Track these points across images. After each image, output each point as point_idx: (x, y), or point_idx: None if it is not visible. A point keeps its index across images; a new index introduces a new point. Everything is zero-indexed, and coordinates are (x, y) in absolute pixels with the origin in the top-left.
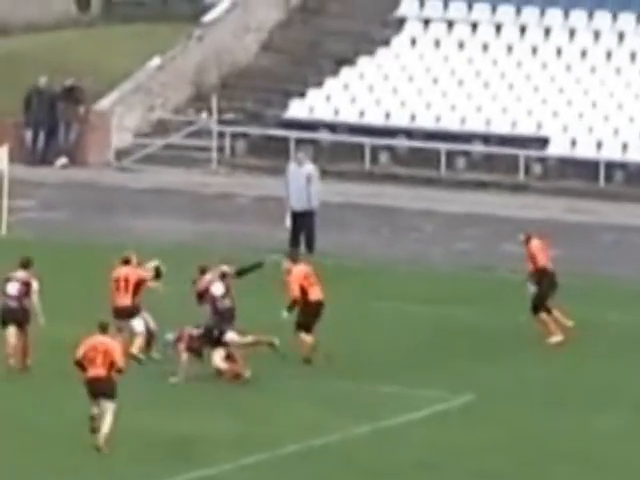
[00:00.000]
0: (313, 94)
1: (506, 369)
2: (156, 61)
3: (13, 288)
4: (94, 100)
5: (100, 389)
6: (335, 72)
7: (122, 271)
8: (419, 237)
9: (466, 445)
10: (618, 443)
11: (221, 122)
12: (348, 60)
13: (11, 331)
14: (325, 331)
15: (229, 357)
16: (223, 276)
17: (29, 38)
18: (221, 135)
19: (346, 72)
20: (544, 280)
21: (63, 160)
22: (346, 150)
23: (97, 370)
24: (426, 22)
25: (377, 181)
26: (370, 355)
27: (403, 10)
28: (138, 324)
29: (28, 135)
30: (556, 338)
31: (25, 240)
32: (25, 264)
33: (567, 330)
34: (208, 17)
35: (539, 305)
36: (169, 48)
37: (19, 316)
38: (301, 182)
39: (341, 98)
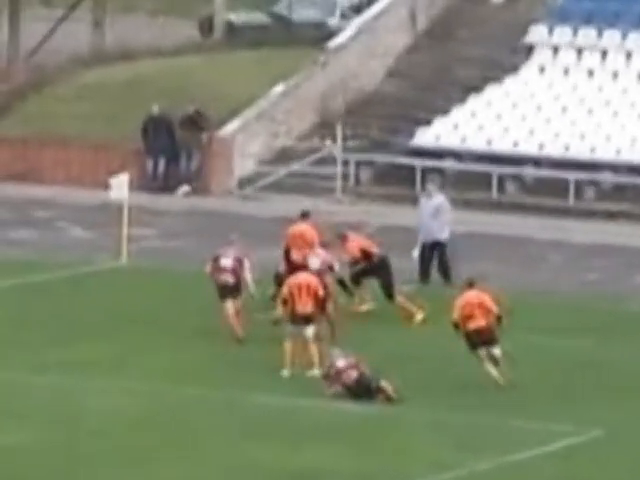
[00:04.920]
0: (440, 122)
1: (636, 404)
2: (280, 87)
3: (227, 262)
4: (216, 127)
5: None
6: (462, 99)
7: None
8: (548, 267)
9: None
10: None
11: (346, 150)
12: (476, 87)
13: (229, 304)
14: (453, 362)
15: None
16: (330, 268)
17: (151, 63)
18: (346, 163)
19: (474, 99)
20: None
21: (185, 188)
22: (473, 179)
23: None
24: (555, 49)
25: (504, 211)
26: (497, 387)
27: (532, 37)
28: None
29: (149, 162)
30: None
31: (146, 269)
32: (231, 242)
33: None
34: (333, 42)
35: None
36: (293, 74)
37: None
38: (430, 214)
39: (468, 126)
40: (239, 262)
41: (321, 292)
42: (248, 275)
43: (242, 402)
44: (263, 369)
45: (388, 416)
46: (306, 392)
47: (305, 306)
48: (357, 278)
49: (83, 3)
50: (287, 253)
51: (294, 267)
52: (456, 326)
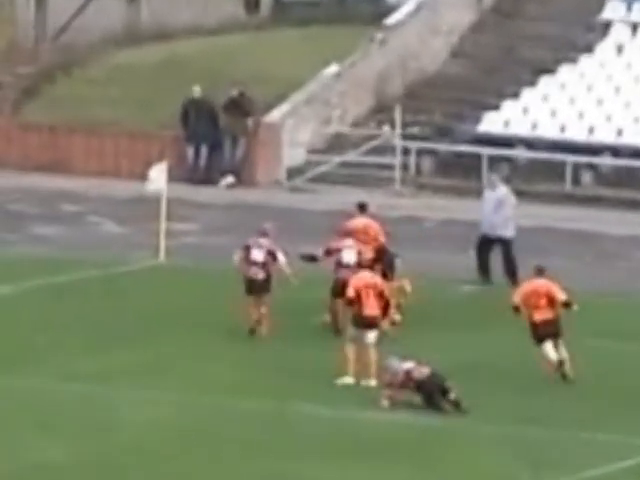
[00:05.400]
0: (508, 106)
1: None
2: (333, 68)
3: (259, 255)
4: (263, 112)
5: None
6: (533, 82)
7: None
8: (626, 265)
9: None
10: None
11: (405, 137)
12: (547, 68)
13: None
14: (520, 370)
15: None
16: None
17: (191, 43)
18: (406, 151)
19: (545, 82)
20: None
21: (229, 179)
22: (545, 169)
23: None
24: (634, 27)
25: (579, 203)
26: (569, 398)
27: (608, 13)
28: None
29: (189, 151)
30: None
31: (185, 268)
32: (264, 233)
33: None
34: (392, 19)
35: None
36: (347, 54)
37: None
38: (492, 207)
39: (540, 111)
40: (272, 255)
41: (387, 293)
42: (286, 267)
43: (290, 414)
44: (313, 377)
45: (451, 428)
46: (361, 403)
47: (373, 309)
48: None
49: None
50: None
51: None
52: (516, 309)
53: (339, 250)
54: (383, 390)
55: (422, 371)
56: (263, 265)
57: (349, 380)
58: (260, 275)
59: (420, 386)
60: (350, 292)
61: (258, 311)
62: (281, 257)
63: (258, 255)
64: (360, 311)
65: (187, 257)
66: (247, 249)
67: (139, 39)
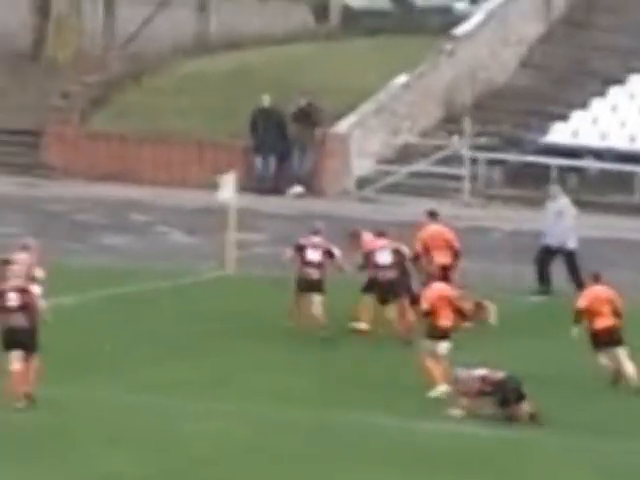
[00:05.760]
0: (577, 117)
1: None
2: (402, 79)
3: (315, 255)
4: (332, 122)
5: None
6: (602, 92)
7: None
8: None
9: None
10: None
11: (474, 147)
12: (617, 79)
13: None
14: (592, 379)
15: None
16: (396, 252)
17: (260, 52)
18: (474, 162)
19: (615, 92)
20: None
21: (297, 189)
22: (614, 180)
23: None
24: None
25: None
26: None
27: None
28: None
29: (258, 161)
30: None
31: (254, 278)
32: (317, 232)
33: None
34: (461, 30)
35: None
36: (416, 64)
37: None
38: (553, 218)
39: (609, 121)
40: (328, 254)
41: (461, 304)
42: (343, 262)
43: (358, 425)
44: (381, 387)
45: (526, 440)
46: (429, 414)
47: (447, 319)
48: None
49: None
50: (417, 259)
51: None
52: (578, 314)
53: (373, 251)
54: (457, 400)
55: (498, 374)
56: (319, 265)
57: (443, 388)
58: (315, 275)
59: (498, 388)
60: (424, 304)
61: (308, 311)
62: (337, 252)
63: (314, 255)
64: (434, 322)
65: (255, 267)
66: (301, 249)
67: (208, 48)
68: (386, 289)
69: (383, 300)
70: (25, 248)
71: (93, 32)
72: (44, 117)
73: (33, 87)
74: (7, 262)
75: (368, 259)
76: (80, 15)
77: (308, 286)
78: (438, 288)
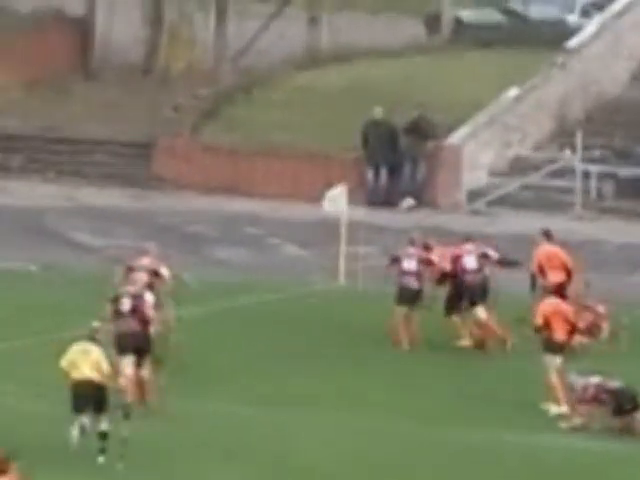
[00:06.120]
0: None
1: None
2: (514, 91)
3: (411, 264)
4: (443, 135)
5: None
6: None
7: None
8: None
9: None
10: None
11: (586, 160)
12: None
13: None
14: None
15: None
16: (484, 256)
17: (371, 65)
18: (586, 175)
19: None
20: None
21: (409, 201)
22: None
23: None
24: None
25: None
26: None
27: None
28: None
29: (369, 173)
30: None
31: (366, 291)
32: (413, 242)
33: None
34: (573, 42)
35: None
36: (528, 77)
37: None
38: None
39: None
40: (426, 262)
41: (574, 318)
42: (444, 263)
43: (477, 440)
44: (496, 402)
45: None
46: (542, 427)
47: (562, 334)
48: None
49: None
50: (533, 277)
51: (552, 289)
52: None
53: (460, 256)
54: (573, 407)
55: (613, 383)
56: (417, 275)
57: (562, 409)
58: (414, 284)
59: (613, 396)
60: (539, 319)
61: (409, 324)
62: (435, 258)
63: (410, 264)
64: (550, 337)
65: (367, 280)
66: (397, 260)
67: (319, 61)
68: (474, 292)
69: (472, 303)
70: (146, 253)
71: (205, 45)
72: (155, 129)
73: (145, 99)
74: (131, 269)
75: (455, 264)
76: (192, 28)
77: (407, 295)
78: (553, 303)
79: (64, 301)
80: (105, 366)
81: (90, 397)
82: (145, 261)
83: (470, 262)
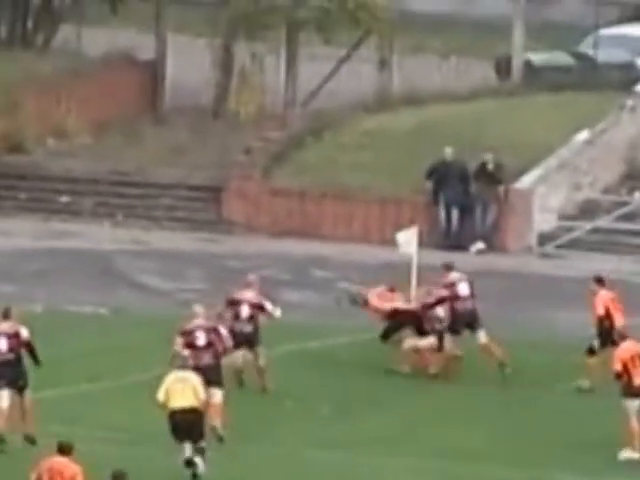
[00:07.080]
0: None
1: None
2: (584, 134)
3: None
4: (514, 178)
5: None
6: None
7: None
8: None
9: None
10: None
11: None
12: None
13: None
14: None
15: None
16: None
17: (442, 108)
18: None
19: None
20: None
21: (479, 245)
22: None
23: None
24: None
25: None
26: None
27: None
28: None
29: (441, 215)
30: None
31: None
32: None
33: None
34: None
35: None
36: (598, 120)
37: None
38: None
39: None
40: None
41: None
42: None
43: None
44: (565, 444)
45: None
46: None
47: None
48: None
49: (368, 42)
50: (601, 321)
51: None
52: None
53: (455, 283)
54: None
55: None
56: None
57: (636, 456)
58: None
59: None
60: (617, 365)
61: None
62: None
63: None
64: (630, 382)
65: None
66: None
67: (390, 104)
68: (470, 318)
69: (471, 328)
70: (249, 285)
71: (275, 88)
72: (225, 173)
73: (214, 143)
74: (234, 302)
75: (450, 291)
76: (262, 71)
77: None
78: (629, 348)
79: (133, 344)
80: (202, 393)
81: (193, 424)
82: (249, 294)
83: (463, 289)
